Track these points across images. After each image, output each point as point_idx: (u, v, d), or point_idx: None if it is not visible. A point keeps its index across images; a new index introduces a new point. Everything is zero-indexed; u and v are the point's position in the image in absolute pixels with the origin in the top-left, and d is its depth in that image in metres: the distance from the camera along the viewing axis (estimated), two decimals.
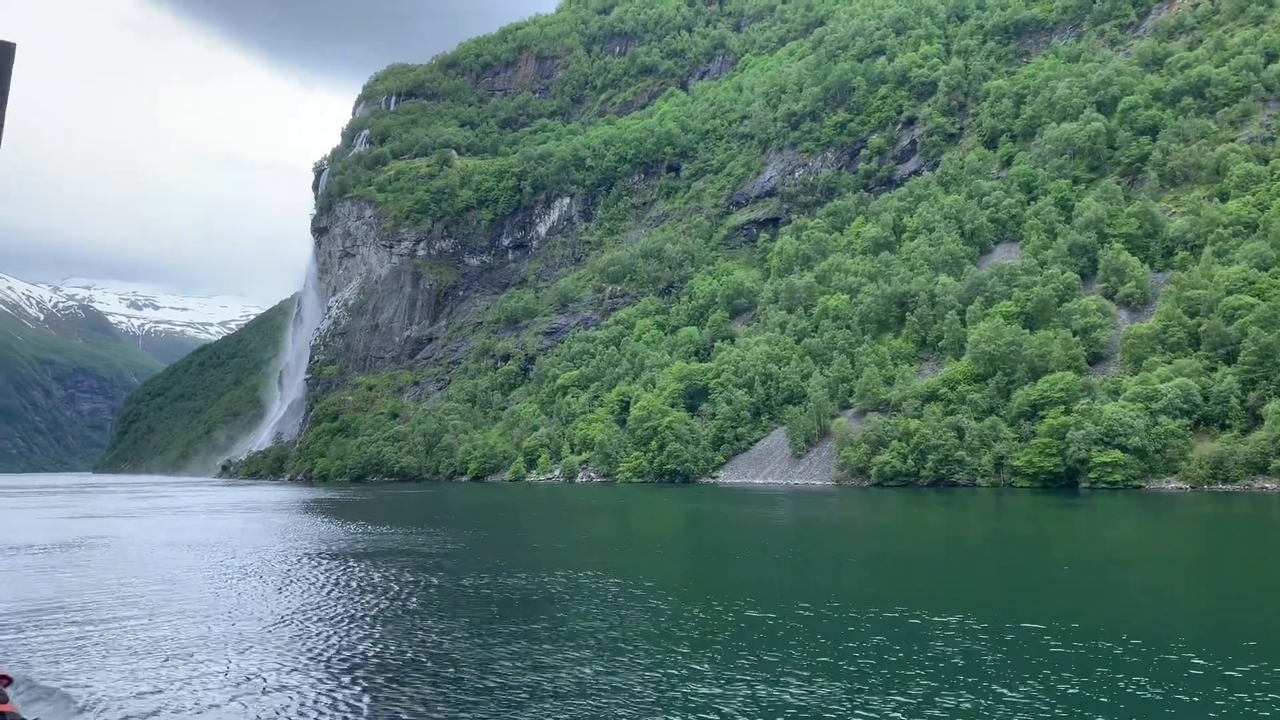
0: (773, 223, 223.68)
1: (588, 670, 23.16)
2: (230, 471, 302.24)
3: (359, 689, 22.11)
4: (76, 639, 27.47)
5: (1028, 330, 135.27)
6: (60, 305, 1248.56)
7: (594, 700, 20.71)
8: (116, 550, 54.00)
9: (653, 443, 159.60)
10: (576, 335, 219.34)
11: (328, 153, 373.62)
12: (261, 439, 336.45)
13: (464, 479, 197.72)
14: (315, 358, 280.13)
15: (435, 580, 39.44)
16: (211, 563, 46.69)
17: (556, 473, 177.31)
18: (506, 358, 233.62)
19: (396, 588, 37.18)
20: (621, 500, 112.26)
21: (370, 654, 25.66)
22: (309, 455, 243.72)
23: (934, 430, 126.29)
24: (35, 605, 33.45)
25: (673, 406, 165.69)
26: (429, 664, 24.32)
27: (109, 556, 50.35)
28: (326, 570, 43.14)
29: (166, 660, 24.73)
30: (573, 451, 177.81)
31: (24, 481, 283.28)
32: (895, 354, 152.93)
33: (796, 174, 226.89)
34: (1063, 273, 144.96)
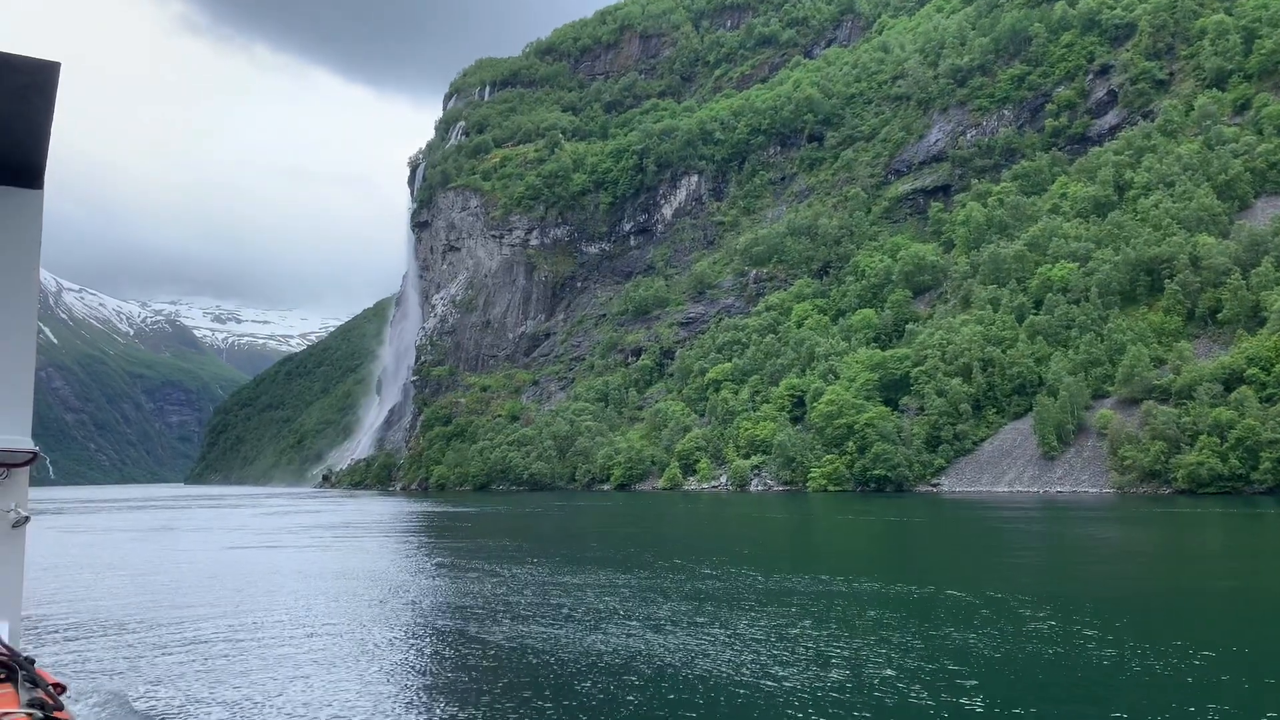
0: (943, 190, 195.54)
1: None
2: (332, 482, 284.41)
3: None
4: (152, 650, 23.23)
5: None
6: (149, 320, 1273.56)
7: None
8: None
9: (849, 444, 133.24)
10: (722, 324, 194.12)
11: (422, 146, 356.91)
12: (361, 447, 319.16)
13: (605, 487, 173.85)
14: (422, 358, 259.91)
15: None
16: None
17: (723, 480, 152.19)
18: (639, 352, 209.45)
19: None
20: (852, 520, 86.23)
21: None
22: (423, 463, 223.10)
23: (1263, 422, 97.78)
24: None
25: (867, 400, 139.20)
26: None
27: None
28: None
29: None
30: (740, 455, 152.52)
31: (132, 494, 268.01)
32: (1158, 330, 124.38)
33: (968, 135, 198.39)
34: None
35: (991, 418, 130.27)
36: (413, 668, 21.81)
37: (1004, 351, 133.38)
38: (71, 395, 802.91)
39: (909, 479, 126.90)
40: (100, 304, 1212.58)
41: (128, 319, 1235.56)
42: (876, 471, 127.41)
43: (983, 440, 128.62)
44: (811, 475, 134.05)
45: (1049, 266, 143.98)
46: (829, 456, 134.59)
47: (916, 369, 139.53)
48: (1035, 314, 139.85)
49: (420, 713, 17.81)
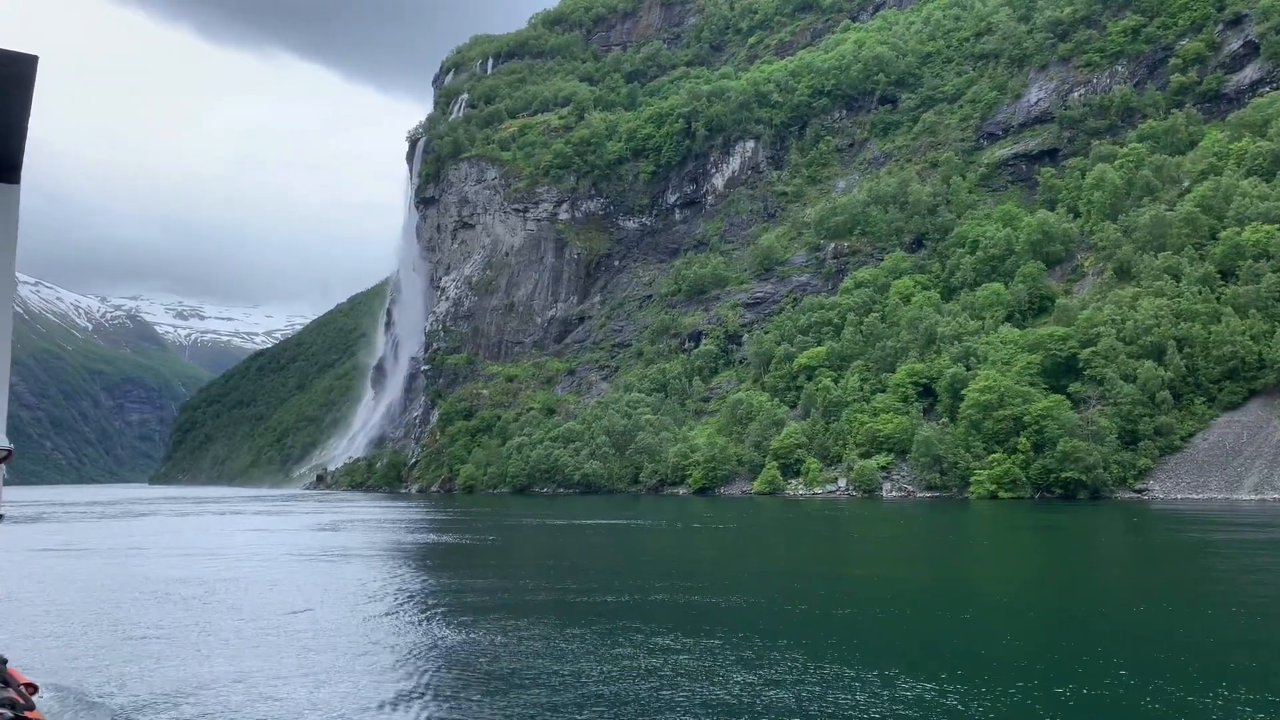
0: (1048, 155, 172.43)
1: None
2: (328, 483, 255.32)
3: None
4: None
5: None
6: (108, 315, 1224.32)
7: None
8: None
9: (1020, 440, 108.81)
10: (802, 304, 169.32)
11: (422, 120, 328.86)
12: (356, 444, 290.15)
13: (680, 491, 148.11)
14: (434, 346, 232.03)
15: None
16: None
17: (841, 484, 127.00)
18: (698, 336, 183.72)
19: None
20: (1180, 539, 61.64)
21: None
22: (442, 461, 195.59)
23: None
24: None
25: (1031, 386, 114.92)
26: None
27: None
28: None
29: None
30: (860, 454, 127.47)
31: (101, 495, 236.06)
32: None
33: (1076, 94, 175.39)
34: None
35: (1198, 407, 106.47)
36: None
37: (1207, 328, 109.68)
38: (26, 391, 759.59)
39: (1106, 482, 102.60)
40: (58, 298, 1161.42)
41: (86, 313, 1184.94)
42: (1067, 474, 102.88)
43: (1191, 435, 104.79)
44: (975, 478, 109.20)
45: (1235, 230, 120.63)
46: (994, 456, 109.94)
47: (1088, 350, 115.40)
48: (1224, 285, 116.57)
49: None
